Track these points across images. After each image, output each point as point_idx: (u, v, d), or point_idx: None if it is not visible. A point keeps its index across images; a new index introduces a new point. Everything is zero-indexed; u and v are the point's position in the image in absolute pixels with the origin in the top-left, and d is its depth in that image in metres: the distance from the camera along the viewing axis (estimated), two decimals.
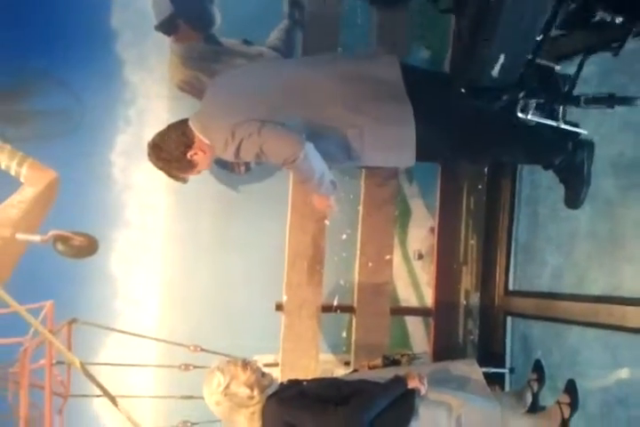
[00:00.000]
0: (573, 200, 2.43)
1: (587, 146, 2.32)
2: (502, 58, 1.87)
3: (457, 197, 3.18)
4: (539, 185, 2.97)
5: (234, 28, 2.77)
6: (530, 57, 1.91)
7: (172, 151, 2.14)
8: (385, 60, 2.22)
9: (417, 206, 3.26)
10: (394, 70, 2.18)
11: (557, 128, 2.25)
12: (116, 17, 2.63)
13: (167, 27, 2.66)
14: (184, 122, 2.17)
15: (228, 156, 2.12)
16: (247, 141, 2.03)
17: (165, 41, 2.68)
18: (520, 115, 2.11)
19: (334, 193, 2.26)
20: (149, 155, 2.19)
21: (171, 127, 2.18)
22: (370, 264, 3.01)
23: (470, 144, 2.28)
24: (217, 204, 2.80)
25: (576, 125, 2.28)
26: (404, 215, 3.23)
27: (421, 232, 3.31)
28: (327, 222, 3.01)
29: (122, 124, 2.67)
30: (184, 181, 2.27)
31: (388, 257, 3.02)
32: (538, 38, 1.85)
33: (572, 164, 2.35)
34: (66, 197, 2.64)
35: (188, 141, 2.14)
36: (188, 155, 2.15)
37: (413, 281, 3.42)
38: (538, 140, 2.30)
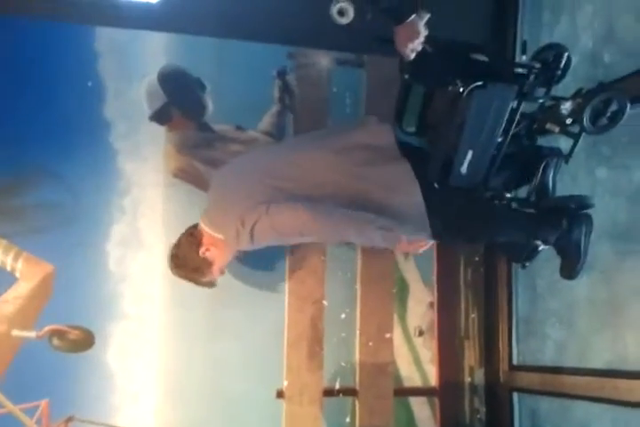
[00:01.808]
0: (569, 272, 2.43)
1: (584, 221, 2.33)
2: (470, 154, 2.04)
3: (454, 270, 3.18)
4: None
5: (226, 115, 2.83)
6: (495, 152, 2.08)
7: (185, 255, 2.15)
8: (377, 128, 2.24)
9: (414, 281, 3.24)
10: (387, 136, 2.19)
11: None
12: (110, 108, 2.67)
13: (160, 116, 2.70)
14: (194, 225, 2.19)
15: (244, 245, 2.08)
16: (259, 226, 2.01)
17: (159, 130, 2.72)
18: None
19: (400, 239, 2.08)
20: (170, 268, 2.21)
21: (182, 234, 2.20)
22: (370, 343, 2.95)
23: (461, 227, 2.29)
24: (212, 291, 2.76)
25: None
26: (402, 291, 3.21)
27: (421, 308, 3.28)
28: (325, 303, 2.98)
29: (117, 213, 2.67)
30: (211, 285, 2.26)
31: (388, 335, 2.97)
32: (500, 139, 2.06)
33: (568, 240, 2.36)
34: (62, 290, 2.61)
35: (196, 240, 2.14)
36: (200, 253, 2.15)
37: (415, 359, 3.35)
38: (531, 219, 2.34)
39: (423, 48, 1.90)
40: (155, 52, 2.73)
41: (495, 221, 2.33)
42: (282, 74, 2.90)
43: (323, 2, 2.40)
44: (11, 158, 2.52)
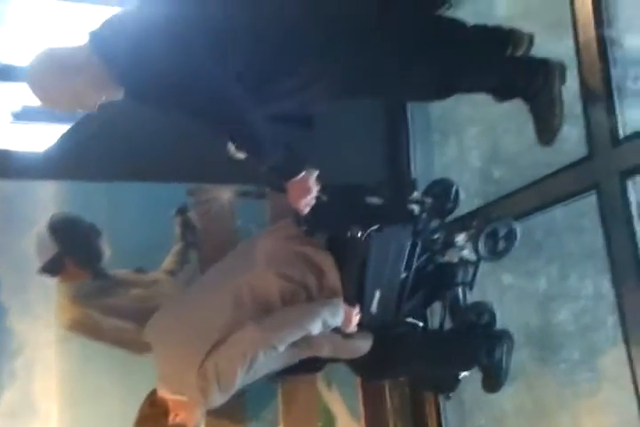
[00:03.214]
0: (492, 386, 2.46)
1: (504, 339, 2.37)
2: (378, 294, 2.14)
3: (380, 396, 3.06)
4: None
5: (126, 258, 2.71)
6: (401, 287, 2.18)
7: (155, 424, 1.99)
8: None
9: (341, 413, 3.08)
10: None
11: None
12: None
13: (52, 267, 2.51)
14: (152, 393, 2.04)
15: (217, 400, 1.98)
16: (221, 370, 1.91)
17: (51, 282, 2.53)
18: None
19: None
20: None
21: (142, 406, 2.04)
22: None
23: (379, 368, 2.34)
24: None
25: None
26: (329, 424, 3.04)
27: None
28: None
29: (6, 379, 2.39)
30: None
31: None
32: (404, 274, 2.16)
33: (489, 360, 2.37)
34: None
35: (160, 409, 1.99)
36: (170, 420, 1.98)
37: None
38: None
39: (318, 198, 1.93)
40: (44, 200, 2.61)
41: (413, 360, 2.34)
42: (182, 211, 2.86)
43: (220, 138, 2.40)
44: None
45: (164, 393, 2.01)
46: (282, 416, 2.82)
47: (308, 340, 2.07)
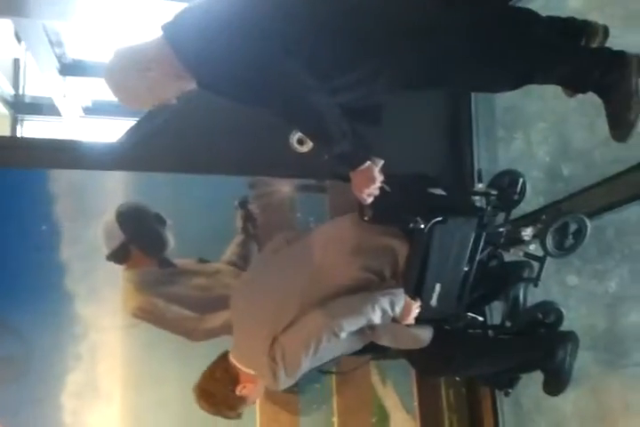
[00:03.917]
0: (554, 389, 2.39)
1: (569, 340, 2.29)
2: (438, 287, 2.09)
3: (435, 393, 3.03)
4: None
5: (189, 248, 2.75)
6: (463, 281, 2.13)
7: (220, 393, 2.04)
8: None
9: (395, 409, 3.05)
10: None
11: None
12: (65, 250, 2.56)
13: (119, 255, 2.62)
14: (225, 357, 2.09)
15: (285, 383, 2.01)
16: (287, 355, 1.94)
17: (116, 269, 2.61)
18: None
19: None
20: (198, 401, 2.08)
21: (213, 367, 2.09)
22: None
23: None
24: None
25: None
26: (383, 421, 3.01)
27: None
28: None
29: (72, 361, 2.48)
30: (238, 416, 2.13)
31: None
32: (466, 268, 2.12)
33: (552, 360, 2.30)
34: None
35: (231, 377, 2.04)
36: (237, 391, 2.04)
37: None
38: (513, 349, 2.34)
39: (381, 188, 1.90)
40: (112, 190, 2.69)
41: (472, 356, 2.29)
42: (244, 204, 2.88)
43: (282, 131, 2.44)
44: None
45: (235, 362, 2.05)
46: (336, 408, 2.84)
47: (369, 328, 2.08)
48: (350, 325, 1.96)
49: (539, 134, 2.89)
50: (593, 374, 2.56)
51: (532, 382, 2.57)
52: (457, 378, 3.05)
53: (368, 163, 1.84)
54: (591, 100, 1.98)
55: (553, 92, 2.05)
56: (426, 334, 2.18)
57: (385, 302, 1.98)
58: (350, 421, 2.87)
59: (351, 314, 1.95)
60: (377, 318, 1.98)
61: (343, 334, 1.95)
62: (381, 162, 1.86)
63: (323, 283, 2.05)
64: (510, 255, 2.32)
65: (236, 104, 1.86)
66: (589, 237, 2.20)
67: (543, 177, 2.80)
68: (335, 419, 2.85)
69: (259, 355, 1.97)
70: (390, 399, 3.08)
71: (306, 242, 2.23)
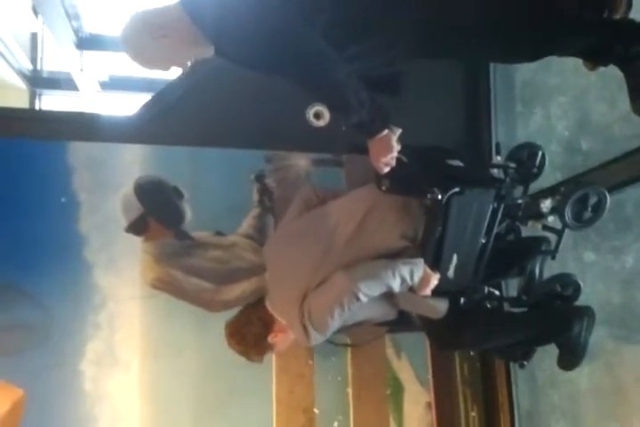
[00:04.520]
0: (569, 364, 2.38)
1: (585, 315, 2.28)
2: (455, 258, 2.08)
3: (449, 366, 3.07)
4: None
5: (206, 221, 2.78)
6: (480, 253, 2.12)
7: (252, 336, 2.08)
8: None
9: (409, 382, 3.09)
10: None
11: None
12: (84, 222, 2.60)
13: (137, 227, 2.65)
14: (262, 303, 2.13)
15: (316, 340, 2.03)
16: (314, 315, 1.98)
17: (134, 241, 2.65)
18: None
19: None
20: (228, 339, 2.12)
21: (248, 311, 2.14)
22: None
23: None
24: (197, 403, 2.60)
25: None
26: (397, 393, 3.06)
27: (417, 409, 3.10)
28: (316, 411, 2.82)
29: (91, 330, 2.53)
30: (261, 361, 2.17)
31: None
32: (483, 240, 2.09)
33: (568, 335, 2.30)
34: (34, 415, 2.43)
35: (267, 324, 2.09)
36: (269, 338, 2.09)
37: None
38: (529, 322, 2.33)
39: (398, 159, 1.89)
40: (130, 163, 2.72)
41: (488, 328, 2.29)
42: (260, 178, 2.90)
43: (298, 105, 2.41)
44: None
45: (271, 310, 2.09)
46: (351, 380, 2.88)
47: (390, 294, 2.09)
48: (370, 289, 1.96)
49: (558, 109, 2.84)
50: (608, 348, 2.55)
51: (547, 355, 2.57)
52: (471, 353, 3.07)
53: (386, 131, 1.82)
54: (612, 73, 1.95)
55: (573, 65, 2.01)
56: (442, 306, 2.19)
57: (405, 269, 1.99)
58: (365, 392, 2.92)
59: (371, 279, 1.96)
60: (396, 285, 1.99)
61: (364, 298, 1.96)
62: (399, 130, 1.84)
63: (359, 247, 2.06)
64: (528, 229, 2.31)
65: (253, 74, 1.85)
66: (607, 212, 2.18)
67: (561, 151, 2.77)
68: (350, 390, 2.90)
69: (292, 307, 2.01)
70: (405, 372, 3.12)
71: (343, 204, 2.23)
